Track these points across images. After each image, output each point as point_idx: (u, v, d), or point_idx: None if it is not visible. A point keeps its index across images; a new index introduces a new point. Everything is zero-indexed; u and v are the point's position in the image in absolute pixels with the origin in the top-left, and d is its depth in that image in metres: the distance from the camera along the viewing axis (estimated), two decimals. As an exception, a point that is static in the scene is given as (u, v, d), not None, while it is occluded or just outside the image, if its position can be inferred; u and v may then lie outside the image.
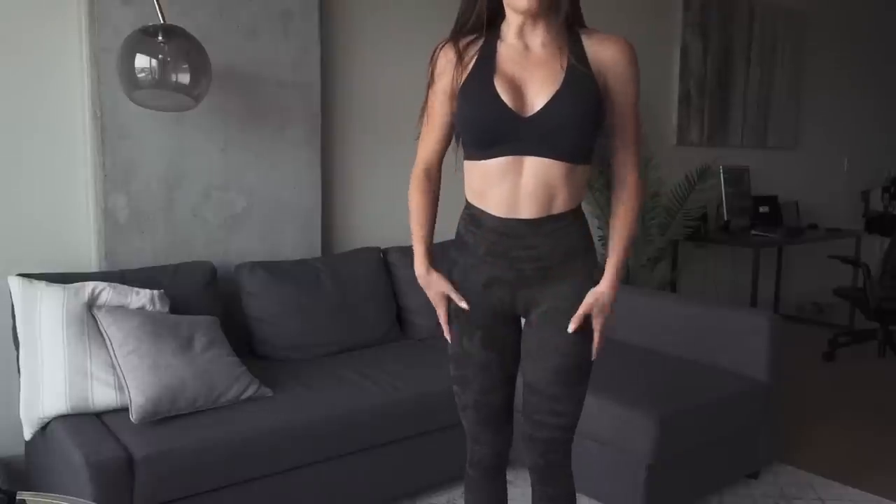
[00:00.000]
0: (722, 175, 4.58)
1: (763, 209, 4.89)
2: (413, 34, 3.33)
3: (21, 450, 2.41)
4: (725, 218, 4.58)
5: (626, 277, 3.93)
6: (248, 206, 2.88)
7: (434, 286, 1.67)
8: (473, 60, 1.55)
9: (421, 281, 1.70)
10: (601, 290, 1.58)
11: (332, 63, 3.14)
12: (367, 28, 3.23)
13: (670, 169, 4.25)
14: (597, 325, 1.59)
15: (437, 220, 1.73)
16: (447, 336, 1.71)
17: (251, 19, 2.81)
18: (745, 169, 4.79)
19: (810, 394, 3.72)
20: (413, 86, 3.34)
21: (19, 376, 2.22)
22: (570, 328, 1.58)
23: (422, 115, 1.67)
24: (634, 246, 3.89)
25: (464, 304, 1.63)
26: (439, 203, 1.74)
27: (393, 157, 3.32)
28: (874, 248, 5.62)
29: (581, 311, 1.57)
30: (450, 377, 1.73)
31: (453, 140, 1.67)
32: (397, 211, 3.37)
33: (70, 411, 2.13)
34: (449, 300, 1.67)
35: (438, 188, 1.73)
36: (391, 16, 3.29)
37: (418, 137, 1.69)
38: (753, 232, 4.55)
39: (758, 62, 5.05)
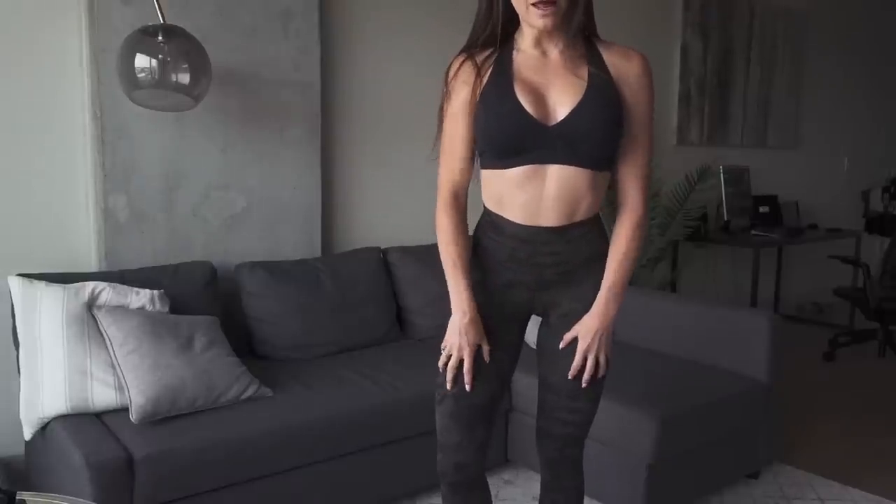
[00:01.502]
0: (722, 175, 4.57)
1: (763, 209, 4.89)
2: (413, 34, 3.33)
3: (21, 450, 2.41)
4: (725, 218, 4.58)
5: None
6: (248, 206, 2.88)
7: (471, 336, 1.56)
8: (490, 70, 1.52)
9: (456, 326, 1.55)
10: (586, 322, 1.58)
11: (332, 63, 3.14)
12: (368, 28, 3.23)
13: (670, 169, 4.25)
14: (582, 348, 1.58)
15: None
16: (448, 384, 1.59)
17: (251, 19, 2.81)
18: (745, 169, 4.79)
19: (810, 394, 3.71)
20: (413, 85, 3.37)
21: (19, 376, 2.22)
22: (560, 346, 1.60)
23: (438, 134, 1.59)
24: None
25: (486, 356, 1.58)
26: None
27: (393, 157, 3.32)
28: (874, 248, 5.62)
29: (568, 334, 1.59)
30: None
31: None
32: (397, 211, 3.38)
33: (70, 411, 2.13)
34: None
35: (466, 216, 1.61)
36: (391, 15, 3.29)
37: (435, 158, 1.61)
38: (753, 232, 4.55)
39: (758, 62, 5.05)
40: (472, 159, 1.58)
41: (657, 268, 4.12)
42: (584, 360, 1.59)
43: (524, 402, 2.61)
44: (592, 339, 1.58)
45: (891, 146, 6.27)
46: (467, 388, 1.58)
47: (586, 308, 1.59)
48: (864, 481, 2.76)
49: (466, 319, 1.55)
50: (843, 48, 5.68)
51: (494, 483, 2.65)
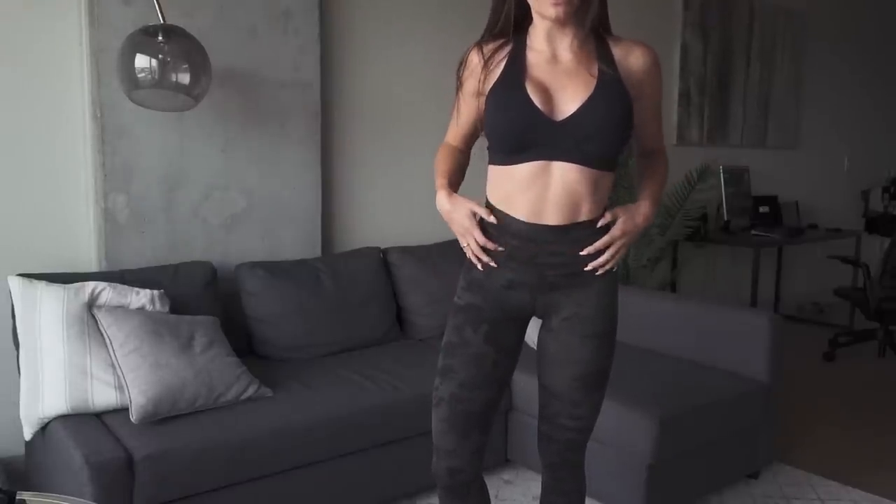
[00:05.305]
0: (722, 175, 4.58)
1: (763, 209, 4.90)
2: (412, 34, 3.33)
3: (21, 450, 2.41)
4: (725, 218, 4.58)
5: (626, 277, 3.93)
6: (248, 206, 2.88)
7: (459, 207, 1.55)
8: (502, 65, 1.53)
9: (444, 207, 1.57)
10: (634, 210, 1.58)
11: (332, 62, 3.14)
12: (368, 27, 3.23)
13: (670, 169, 4.23)
14: (611, 235, 1.54)
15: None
16: (477, 255, 1.56)
17: (251, 19, 2.81)
18: (745, 169, 4.79)
19: (810, 394, 3.71)
20: (413, 84, 3.37)
21: (19, 376, 2.22)
22: (588, 250, 1.54)
23: (453, 112, 1.69)
24: (643, 238, 3.88)
25: (492, 218, 1.54)
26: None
27: (393, 157, 3.32)
28: (874, 248, 5.63)
29: (614, 228, 1.55)
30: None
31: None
32: (397, 211, 3.38)
33: (70, 411, 2.13)
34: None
35: (465, 158, 1.70)
36: (391, 15, 3.29)
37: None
38: (753, 232, 4.55)
39: (758, 62, 5.05)
40: (472, 137, 1.68)
41: (657, 268, 4.11)
42: (605, 247, 1.55)
43: (524, 402, 2.61)
44: (623, 234, 1.55)
45: (891, 146, 6.28)
46: (477, 255, 1.57)
47: (590, 312, 1.57)
48: (863, 481, 2.76)
49: (444, 198, 1.57)
50: (842, 48, 5.69)
51: (494, 483, 2.65)
